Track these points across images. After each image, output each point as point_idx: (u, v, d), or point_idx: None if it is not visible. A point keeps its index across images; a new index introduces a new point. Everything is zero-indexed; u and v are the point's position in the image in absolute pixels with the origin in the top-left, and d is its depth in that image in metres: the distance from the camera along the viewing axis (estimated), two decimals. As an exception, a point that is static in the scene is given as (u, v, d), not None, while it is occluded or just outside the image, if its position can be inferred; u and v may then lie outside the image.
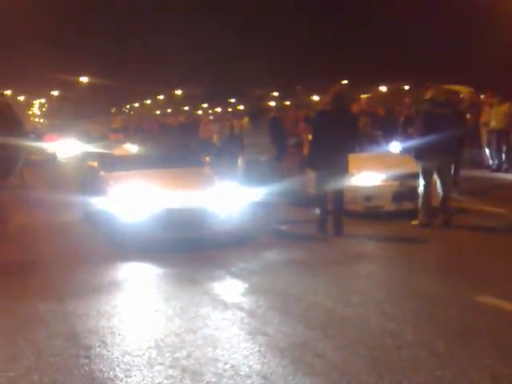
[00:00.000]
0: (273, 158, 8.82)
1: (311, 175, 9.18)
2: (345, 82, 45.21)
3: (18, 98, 56.04)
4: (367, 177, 9.71)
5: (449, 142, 8.71)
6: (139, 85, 59.68)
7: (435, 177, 8.91)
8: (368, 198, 9.58)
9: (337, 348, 4.43)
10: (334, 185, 8.51)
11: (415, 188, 9.08)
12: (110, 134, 23.17)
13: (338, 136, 8.41)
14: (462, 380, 3.89)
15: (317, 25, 39.81)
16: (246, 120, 9.35)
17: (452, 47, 32.81)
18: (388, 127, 13.95)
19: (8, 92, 38.41)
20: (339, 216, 8.60)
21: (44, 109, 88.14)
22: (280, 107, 34.24)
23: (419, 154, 8.90)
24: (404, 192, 9.56)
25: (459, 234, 8.47)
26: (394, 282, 6.38)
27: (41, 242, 8.70)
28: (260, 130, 8.86)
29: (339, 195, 8.61)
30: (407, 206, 9.45)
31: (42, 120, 70.18)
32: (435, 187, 8.94)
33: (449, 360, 4.17)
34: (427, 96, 9.07)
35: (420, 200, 8.89)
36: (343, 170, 8.57)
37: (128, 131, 23.27)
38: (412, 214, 9.05)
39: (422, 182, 8.88)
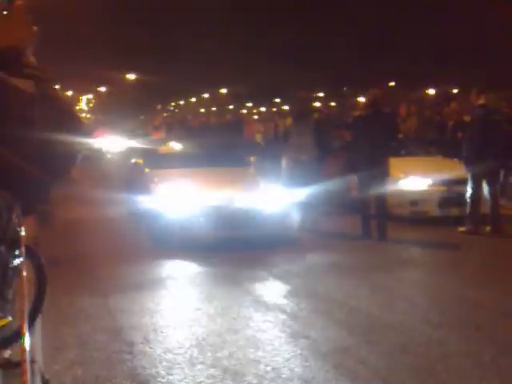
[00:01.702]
0: (314, 158, 8.82)
1: (353, 179, 9.11)
2: (392, 83, 44.80)
3: (66, 93, 57.18)
4: (414, 181, 9.58)
5: (499, 148, 8.54)
6: (184, 83, 60.21)
7: (484, 184, 8.73)
8: (414, 203, 9.44)
9: (380, 355, 4.36)
10: (375, 188, 8.44)
11: (462, 194, 8.90)
12: (153, 132, 23.27)
13: (377, 139, 8.41)
14: (510, 394, 3.79)
15: (365, 25, 39.49)
16: (289, 121, 9.39)
17: (503, 50, 32.12)
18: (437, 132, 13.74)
19: (57, 87, 39.18)
20: (383, 220, 8.49)
21: (91, 104, 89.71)
22: (325, 109, 34.10)
23: (470, 159, 8.71)
24: (450, 198, 9.38)
25: (507, 243, 8.26)
26: (439, 290, 6.25)
27: (86, 238, 8.86)
28: (303, 130, 8.89)
29: (382, 199, 8.54)
30: (453, 212, 9.27)
31: (88, 116, 71.46)
32: (483, 194, 8.76)
33: (494, 372, 4.06)
34: (481, 101, 8.85)
35: (468, 207, 8.71)
36: (384, 172, 8.50)
37: (172, 129, 23.44)
38: (458, 220, 8.88)
39: (470, 188, 8.71)
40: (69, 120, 2.39)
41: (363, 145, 8.46)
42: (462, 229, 8.73)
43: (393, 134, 9.00)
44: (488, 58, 33.87)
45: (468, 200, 8.72)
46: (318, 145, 8.86)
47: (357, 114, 9.93)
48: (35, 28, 2.55)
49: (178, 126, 22.42)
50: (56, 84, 2.61)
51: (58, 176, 2.47)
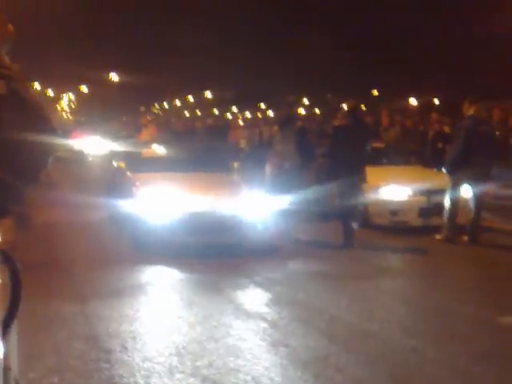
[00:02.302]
0: (296, 166, 8.85)
1: (333, 186, 9.18)
2: (375, 92, 45.05)
3: (47, 91, 56.62)
4: (394, 191, 9.61)
5: (485, 160, 8.62)
6: (169, 85, 59.98)
7: (464, 194, 8.81)
8: (394, 213, 9.48)
9: (359, 363, 4.37)
10: (353, 195, 8.64)
11: (442, 204, 8.95)
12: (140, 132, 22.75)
13: (355, 148, 8.70)
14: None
15: (349, 34, 39.70)
16: (275, 128, 9.41)
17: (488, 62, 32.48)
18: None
19: (36, 85, 38.75)
20: (349, 227, 8.63)
21: (72, 104, 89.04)
22: (308, 116, 34.15)
23: (453, 168, 8.80)
24: (431, 208, 9.43)
25: (486, 253, 8.33)
26: (417, 299, 6.29)
27: (64, 241, 8.76)
28: (287, 137, 8.93)
29: (356, 206, 8.76)
30: (434, 221, 9.32)
31: (69, 116, 70.86)
32: (462, 204, 8.83)
33: (470, 380, 4.12)
34: (469, 112, 8.90)
35: (446, 215, 8.79)
36: (361, 180, 8.72)
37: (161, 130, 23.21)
38: (438, 230, 8.94)
39: (449, 197, 8.78)
40: (39, 121, 2.34)
41: (343, 153, 8.63)
42: (438, 236, 8.80)
43: (367, 144, 9.34)
44: (469, 70, 34.22)
45: (446, 208, 8.79)
46: (300, 152, 8.90)
47: (337, 123, 10.13)
48: (11, 27, 2.51)
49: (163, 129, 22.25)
50: (28, 84, 2.57)
51: (29, 177, 2.43)
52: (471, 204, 8.76)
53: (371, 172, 10.33)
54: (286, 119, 9.46)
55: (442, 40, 34.50)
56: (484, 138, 8.65)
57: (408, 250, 8.60)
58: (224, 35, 47.26)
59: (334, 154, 9.00)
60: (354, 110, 9.34)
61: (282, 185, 8.74)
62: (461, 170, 8.64)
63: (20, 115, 2.27)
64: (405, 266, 7.94)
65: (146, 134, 17.99)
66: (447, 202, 8.79)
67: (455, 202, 8.75)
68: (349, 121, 9.11)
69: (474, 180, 8.70)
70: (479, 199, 8.82)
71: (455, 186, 8.77)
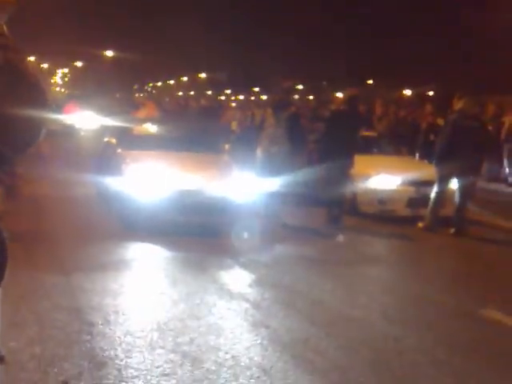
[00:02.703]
0: (284, 151, 8.88)
1: (323, 170, 9.26)
2: (370, 81, 45.00)
3: (42, 65, 56.19)
4: (383, 180, 9.66)
5: (472, 155, 8.70)
6: (164, 64, 59.64)
7: (451, 186, 8.89)
8: (382, 202, 9.53)
9: (338, 347, 4.42)
10: (341, 180, 8.89)
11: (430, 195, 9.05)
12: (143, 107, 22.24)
13: (348, 133, 8.97)
14: (462, 392, 3.87)
15: (346, 22, 39.55)
16: (269, 111, 9.37)
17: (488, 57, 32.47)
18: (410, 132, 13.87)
19: (32, 58, 38.45)
20: (339, 210, 8.92)
21: (66, 79, 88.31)
22: (302, 102, 34.12)
23: (440, 160, 8.88)
24: (419, 198, 9.48)
25: (471, 245, 8.41)
26: (400, 287, 6.35)
27: (52, 215, 8.75)
28: (280, 122, 8.95)
29: (343, 191, 9.00)
30: (422, 212, 9.37)
31: (63, 90, 70.30)
32: (449, 197, 8.91)
33: (449, 370, 4.16)
34: (458, 106, 8.99)
35: (430, 205, 8.89)
36: (350, 165, 8.96)
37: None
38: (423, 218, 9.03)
39: (436, 189, 8.88)
40: (35, 94, 2.33)
41: (336, 137, 8.83)
42: (420, 224, 8.90)
43: (359, 131, 9.73)
44: (465, 63, 34.23)
45: (432, 198, 8.88)
46: (291, 138, 8.91)
47: (334, 107, 10.21)
48: None
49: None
50: (26, 56, 2.55)
51: (20, 150, 2.42)
52: (457, 196, 8.85)
53: (362, 160, 10.38)
54: (281, 103, 9.44)
55: (439, 31, 34.45)
56: (470, 132, 8.71)
57: (394, 239, 8.67)
58: (220, 18, 47.00)
59: (328, 137, 9.20)
60: (353, 97, 9.66)
61: (270, 168, 8.77)
62: (447, 162, 8.72)
63: (15, 86, 2.25)
64: (390, 255, 8.01)
65: (146, 111, 17.85)
66: (433, 193, 8.89)
67: (440, 194, 8.86)
68: (346, 107, 9.53)
69: (459, 173, 8.78)
70: (465, 192, 8.90)
71: (441, 178, 8.86)
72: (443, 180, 8.85)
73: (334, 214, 8.88)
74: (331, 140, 8.99)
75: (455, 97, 9.17)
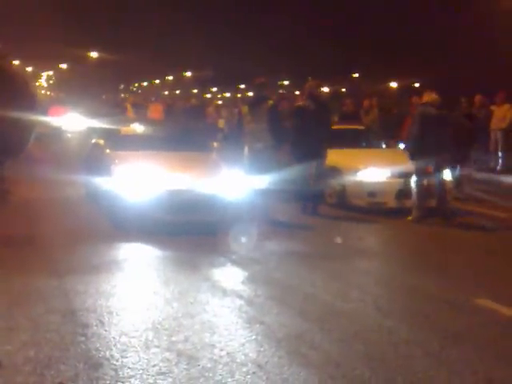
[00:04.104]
0: (269, 146, 8.90)
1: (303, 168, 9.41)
2: (356, 75, 45.10)
3: (26, 68, 55.88)
4: (372, 173, 9.72)
5: (443, 142, 8.88)
6: (149, 64, 59.47)
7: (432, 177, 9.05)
8: (372, 194, 9.59)
9: (333, 341, 4.45)
10: (315, 171, 9.23)
11: (429, 186, 9.18)
12: (151, 106, 22.00)
13: (316, 129, 9.10)
14: (456, 381, 3.90)
15: (332, 17, 39.64)
16: (245, 108, 9.37)
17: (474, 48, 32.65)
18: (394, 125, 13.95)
19: (16, 62, 38.25)
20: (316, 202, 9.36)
21: (51, 81, 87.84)
22: (288, 97, 34.07)
23: (412, 153, 9.14)
24: (408, 190, 9.54)
25: (460, 235, 8.47)
26: (392, 279, 6.38)
27: (42, 217, 8.72)
28: (258, 118, 8.95)
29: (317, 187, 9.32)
30: (411, 203, 9.44)
31: (48, 92, 69.92)
32: (433, 187, 9.02)
33: (443, 360, 4.18)
34: (424, 99, 9.32)
35: (414, 197, 9.05)
36: (322, 157, 9.30)
37: (141, 109, 22.91)
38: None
39: (414, 180, 9.06)
40: (24, 97, 2.33)
41: (303, 135, 9.17)
42: (409, 218, 9.00)
43: (329, 127, 9.83)
44: (450, 55, 34.38)
45: (413, 190, 9.05)
46: (272, 132, 8.92)
47: (296, 104, 10.40)
48: None
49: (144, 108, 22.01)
50: (11, 59, 2.57)
51: (11, 153, 2.43)
52: (436, 187, 8.98)
53: (350, 154, 10.46)
54: (257, 99, 9.43)
55: (424, 24, 34.59)
56: (439, 121, 8.94)
57: (385, 232, 8.72)
58: (205, 16, 46.87)
59: (296, 136, 9.38)
60: (310, 90, 9.65)
61: (257, 165, 8.80)
62: (421, 154, 8.93)
63: (3, 91, 2.26)
64: (380, 247, 8.05)
65: (153, 112, 17.79)
66: (413, 185, 9.06)
67: (420, 185, 9.02)
68: (308, 102, 9.49)
69: (437, 163, 9.00)
70: (441, 183, 9.08)
71: (418, 170, 9.05)
72: (419, 171, 9.05)
73: (309, 205, 9.23)
74: (299, 139, 9.24)
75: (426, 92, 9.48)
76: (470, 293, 5.69)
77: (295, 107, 10.37)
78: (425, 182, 9.08)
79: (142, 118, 13.30)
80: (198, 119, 18.27)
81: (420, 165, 9.03)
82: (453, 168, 10.13)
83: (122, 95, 45.73)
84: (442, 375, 3.97)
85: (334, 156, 9.69)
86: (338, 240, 7.82)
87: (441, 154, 8.95)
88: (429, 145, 8.78)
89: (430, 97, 9.23)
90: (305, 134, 9.13)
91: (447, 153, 9.14)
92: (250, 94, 44.19)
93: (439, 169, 9.11)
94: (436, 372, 4.01)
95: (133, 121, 12.04)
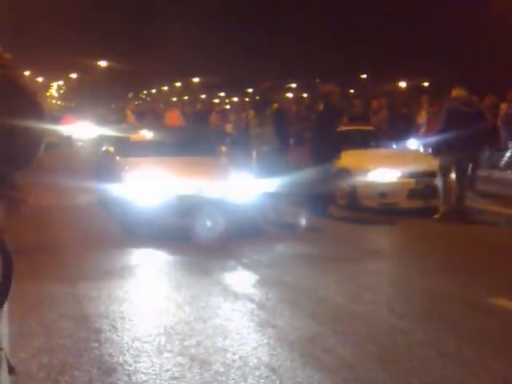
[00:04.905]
0: (276, 149, 8.92)
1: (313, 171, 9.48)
2: (364, 76, 45.03)
3: (37, 79, 56.32)
4: (383, 173, 9.68)
5: (468, 139, 8.75)
6: (157, 71, 59.71)
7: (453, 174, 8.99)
8: (383, 195, 9.55)
9: (346, 344, 4.42)
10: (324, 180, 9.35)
11: (430, 186, 9.12)
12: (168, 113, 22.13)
13: (326, 133, 9.35)
14: (472, 382, 3.86)
15: (339, 17, 39.62)
16: (251, 112, 9.42)
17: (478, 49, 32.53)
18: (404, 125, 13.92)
19: (26, 73, 38.57)
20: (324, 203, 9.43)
21: (62, 91, 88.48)
22: (297, 100, 34.09)
23: (438, 149, 9.05)
24: (420, 190, 9.52)
25: (475, 234, 8.39)
26: (405, 280, 6.33)
27: (55, 225, 8.77)
28: (264, 121, 8.98)
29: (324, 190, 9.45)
30: (422, 203, 9.41)
31: (59, 102, 70.46)
32: (454, 184, 9.01)
33: (458, 361, 4.13)
34: (453, 94, 9.20)
35: (440, 193, 8.99)
36: (332, 165, 9.41)
37: (143, 117, 23.03)
38: (427, 212, 9.03)
39: (440, 177, 9.00)
40: (33, 108, 2.36)
41: (316, 138, 9.36)
42: (436, 216, 8.96)
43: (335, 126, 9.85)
44: (461, 54, 34.24)
45: (439, 188, 9.01)
46: (278, 136, 8.95)
47: (317, 108, 10.43)
48: None
49: (150, 115, 22.11)
50: (20, 70, 2.59)
51: (22, 164, 2.45)
52: (456, 185, 8.93)
53: (360, 155, 10.44)
54: (262, 103, 9.46)
55: (436, 22, 34.47)
56: (467, 118, 8.83)
57: (396, 232, 8.68)
58: (212, 21, 47.00)
59: (314, 138, 9.54)
60: (326, 95, 9.76)
61: (265, 168, 8.82)
62: (446, 150, 8.86)
63: (13, 102, 2.28)
64: (393, 248, 8.01)
65: (171, 119, 17.83)
66: (439, 182, 9.00)
67: (446, 181, 8.96)
68: (321, 107, 9.70)
69: (458, 161, 8.91)
70: (461, 180, 9.00)
71: (443, 166, 8.97)
72: (444, 167, 8.97)
73: (318, 206, 9.24)
74: (317, 142, 9.37)
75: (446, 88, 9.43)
76: (485, 292, 5.63)
77: (317, 111, 10.45)
78: (450, 178, 9.02)
79: (147, 125, 13.30)
80: (202, 123, 18.25)
81: (444, 161, 8.96)
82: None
83: (113, 105, 45.82)
84: (457, 376, 3.93)
85: (343, 157, 9.68)
86: (349, 241, 7.80)
87: (463, 151, 8.84)
88: (453, 141, 8.69)
89: (458, 92, 9.14)
90: (322, 137, 9.23)
91: (469, 151, 9.05)
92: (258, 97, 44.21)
93: (461, 166, 9.03)
94: (451, 373, 3.97)
95: (137, 127, 12.06)
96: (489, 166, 14.36)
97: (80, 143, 24.12)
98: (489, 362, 4.13)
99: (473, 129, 8.80)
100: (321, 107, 9.75)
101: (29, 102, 2.34)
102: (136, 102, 50.45)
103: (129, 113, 19.55)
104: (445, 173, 8.97)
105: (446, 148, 8.84)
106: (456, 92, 9.16)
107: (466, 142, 8.75)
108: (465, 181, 9.18)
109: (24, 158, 2.43)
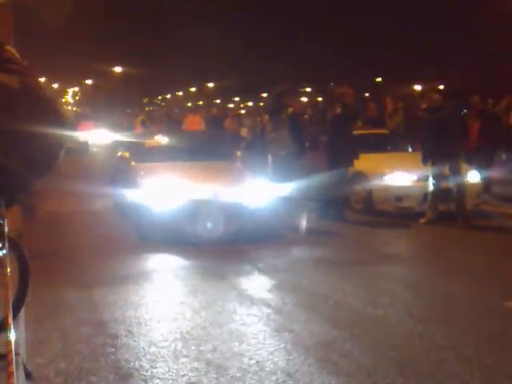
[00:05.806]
0: (292, 154, 8.91)
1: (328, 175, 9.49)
2: (379, 79, 44.87)
3: (52, 85, 56.76)
4: (399, 177, 9.63)
5: (447, 147, 8.81)
6: (172, 76, 59.96)
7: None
8: (399, 199, 9.50)
9: (363, 348, 4.38)
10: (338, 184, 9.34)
11: (447, 190, 9.04)
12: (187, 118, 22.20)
13: (343, 137, 9.38)
14: (491, 387, 3.82)
15: (354, 22, 39.56)
16: (266, 117, 9.43)
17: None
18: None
19: (42, 79, 38.91)
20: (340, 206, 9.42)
21: (77, 97, 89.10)
22: (311, 104, 34.03)
23: (424, 159, 9.14)
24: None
25: (490, 238, 8.34)
26: (422, 284, 6.28)
27: (71, 230, 8.82)
28: (278, 126, 8.97)
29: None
30: (439, 207, 9.33)
31: (74, 108, 70.96)
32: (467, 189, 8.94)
33: (477, 365, 4.09)
34: (422, 106, 9.70)
35: (429, 198, 9.05)
36: (347, 169, 9.44)
37: (157, 122, 23.10)
38: (444, 215, 8.97)
39: (431, 182, 9.04)
40: (52, 115, 2.37)
41: (332, 143, 9.38)
42: (422, 220, 9.00)
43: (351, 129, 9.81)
44: (475, 58, 34.04)
45: (429, 192, 9.06)
46: (294, 140, 8.94)
47: (332, 113, 10.41)
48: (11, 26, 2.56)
49: (165, 120, 22.17)
50: (39, 78, 2.62)
51: (42, 170, 2.46)
52: (454, 190, 8.95)
53: (376, 158, 10.38)
54: (276, 107, 9.45)
55: (449, 26, 34.31)
56: (442, 124, 8.85)
57: (412, 236, 8.62)
58: (226, 26, 47.13)
59: (329, 142, 9.57)
60: (341, 96, 9.67)
61: (281, 173, 8.81)
62: (431, 159, 8.98)
63: (33, 109, 2.29)
64: (409, 252, 7.95)
65: (193, 124, 17.88)
66: (430, 187, 9.05)
67: (435, 187, 9.01)
68: (339, 110, 9.59)
69: (451, 167, 8.97)
70: (457, 184, 9.00)
71: (433, 173, 9.03)
72: (434, 175, 9.03)
73: (334, 210, 9.22)
74: (334, 146, 9.36)
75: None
76: (502, 296, 5.59)
77: (333, 115, 10.33)
78: (442, 184, 9.03)
79: (162, 130, 13.34)
80: (216, 128, 18.26)
81: (436, 168, 9.03)
82: (481, 170, 10.00)
83: (128, 110, 45.94)
84: (476, 380, 3.88)
85: (359, 161, 9.64)
86: (365, 246, 7.75)
87: (444, 159, 8.90)
88: (434, 151, 8.85)
89: (427, 101, 9.30)
90: (338, 140, 9.26)
91: (450, 158, 8.98)
92: (273, 102, 44.18)
93: (454, 172, 9.00)
94: (470, 377, 3.93)
95: (152, 133, 12.12)
96: (505, 169, 14.20)
97: (95, 149, 24.27)
98: (508, 366, 4.09)
99: (449, 134, 8.80)
100: (338, 110, 9.64)
101: (50, 110, 2.35)
102: (146, 108, 50.69)
103: (137, 124, 19.61)
104: (435, 180, 9.01)
105: (431, 158, 8.97)
106: (426, 101, 9.35)
107: (445, 150, 8.80)
108: (464, 186, 9.09)
109: (45, 164, 2.44)
